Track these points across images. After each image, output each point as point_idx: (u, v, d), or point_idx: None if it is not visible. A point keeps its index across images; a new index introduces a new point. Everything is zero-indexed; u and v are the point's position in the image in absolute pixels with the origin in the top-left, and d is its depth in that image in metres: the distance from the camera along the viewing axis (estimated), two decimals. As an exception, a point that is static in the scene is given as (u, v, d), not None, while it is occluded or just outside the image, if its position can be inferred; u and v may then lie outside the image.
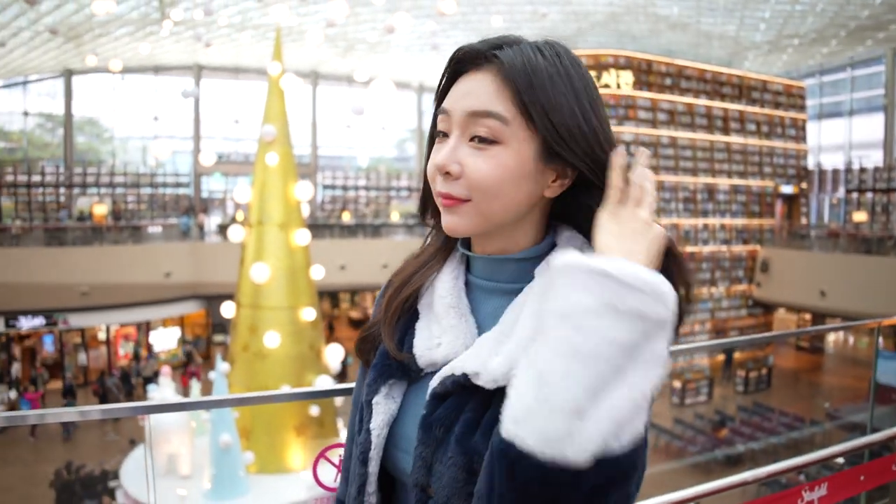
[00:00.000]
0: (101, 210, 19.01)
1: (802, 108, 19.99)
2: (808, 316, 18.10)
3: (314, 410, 10.13)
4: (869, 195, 18.79)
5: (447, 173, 0.76)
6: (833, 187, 20.98)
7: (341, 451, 1.07)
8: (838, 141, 21.61)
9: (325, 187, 24.26)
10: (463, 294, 0.84)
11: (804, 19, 16.92)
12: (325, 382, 10.31)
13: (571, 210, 0.82)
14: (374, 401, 0.83)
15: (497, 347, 0.74)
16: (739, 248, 18.58)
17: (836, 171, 20.83)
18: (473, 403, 0.74)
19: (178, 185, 23.04)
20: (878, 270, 14.97)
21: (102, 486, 9.98)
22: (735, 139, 18.37)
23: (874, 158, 19.85)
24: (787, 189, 19.58)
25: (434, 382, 0.78)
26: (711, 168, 18.01)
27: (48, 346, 17.00)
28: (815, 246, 18.43)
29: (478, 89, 0.76)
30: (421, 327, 0.84)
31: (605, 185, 0.75)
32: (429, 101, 21.77)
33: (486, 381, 0.72)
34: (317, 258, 10.92)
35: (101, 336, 17.73)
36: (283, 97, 10.58)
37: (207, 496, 9.34)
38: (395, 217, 23.25)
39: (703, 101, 17.81)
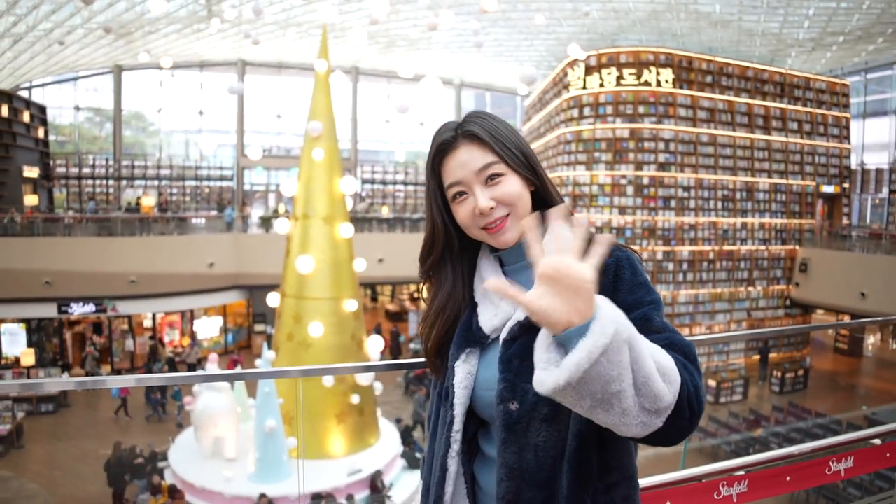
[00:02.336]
0: (148, 202, 19.60)
1: (846, 106, 19.64)
2: (846, 318, 17.83)
3: (355, 399, 10.42)
4: (914, 196, 18.44)
5: (491, 209, 1.14)
6: (876, 187, 20.61)
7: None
8: (883, 140, 21.15)
9: (364, 181, 24.62)
10: (504, 280, 1.20)
11: (850, 16, 16.64)
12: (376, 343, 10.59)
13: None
14: (455, 364, 1.20)
15: None
16: (778, 248, 18.40)
17: (879, 171, 20.46)
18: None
19: (221, 178, 23.61)
20: (921, 273, 14.74)
21: (152, 467, 10.39)
22: (776, 138, 18.17)
23: (920, 158, 19.45)
24: (829, 189, 19.28)
25: (504, 333, 1.13)
26: (751, 167, 17.86)
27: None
28: (857, 247, 18.11)
29: (469, 156, 1.15)
30: (482, 310, 1.21)
31: (537, 185, 1.19)
32: (467, 96, 21.85)
33: None
34: (356, 251, 11.18)
35: (148, 323, 18.33)
36: (330, 94, 10.87)
37: (251, 479, 9.68)
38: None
39: (744, 100, 17.66)
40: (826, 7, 16.15)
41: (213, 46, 21.11)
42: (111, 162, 22.53)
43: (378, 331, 19.88)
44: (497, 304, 1.18)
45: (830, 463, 1.95)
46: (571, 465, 1.06)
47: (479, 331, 1.19)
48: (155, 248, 17.26)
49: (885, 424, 2.29)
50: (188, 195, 23.20)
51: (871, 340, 19.82)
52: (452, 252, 1.26)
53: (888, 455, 2.11)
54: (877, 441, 2.16)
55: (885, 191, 19.94)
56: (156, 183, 22.70)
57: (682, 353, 0.99)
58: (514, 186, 1.14)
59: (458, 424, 1.17)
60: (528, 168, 1.17)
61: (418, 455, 10.80)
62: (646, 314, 1.05)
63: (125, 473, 10.13)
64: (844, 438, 2.16)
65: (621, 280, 1.08)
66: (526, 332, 1.09)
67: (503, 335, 1.13)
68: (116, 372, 16.11)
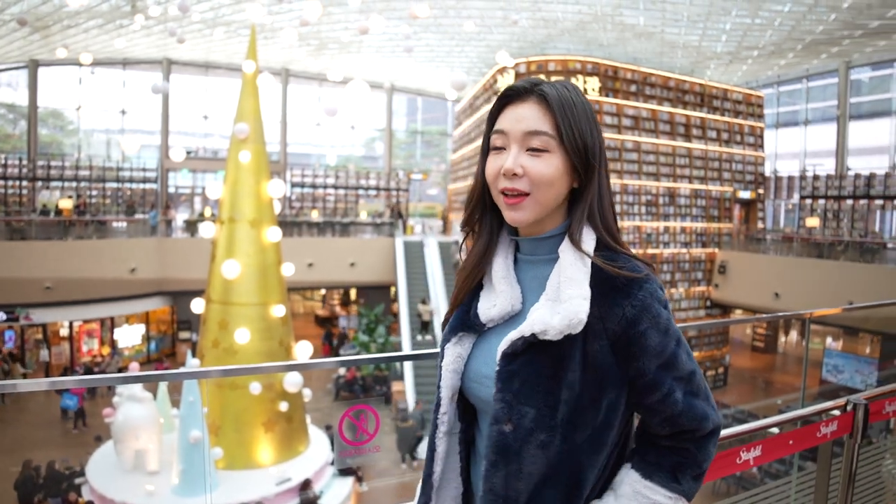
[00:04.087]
0: (67, 204, 18.73)
1: (761, 116, 20.69)
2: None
3: (283, 406, 10.23)
4: (821, 202, 19.54)
5: (514, 174, 1.05)
6: (788, 194, 21.75)
7: (363, 411, 1.33)
8: (794, 149, 22.38)
9: (294, 185, 24.24)
10: (511, 269, 1.15)
11: (763, 32, 17.52)
12: (305, 349, 10.42)
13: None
14: (445, 347, 1.16)
15: (553, 309, 1.03)
16: (699, 251, 19.17)
17: (791, 178, 21.60)
18: (544, 359, 1.03)
19: (144, 180, 22.78)
20: (828, 273, 15.64)
21: (68, 484, 9.92)
22: (696, 145, 18.95)
23: (827, 166, 20.63)
24: (745, 194, 20.25)
25: (504, 346, 1.06)
26: (673, 173, 18.55)
27: (8, 343, 16.70)
28: (771, 250, 19.09)
29: (530, 115, 1.06)
30: (483, 295, 1.15)
31: (587, 180, 1.08)
32: (399, 101, 21.81)
33: (553, 335, 1.01)
34: (285, 255, 11.00)
35: (64, 332, 17.50)
36: (258, 95, 10.66)
37: (175, 492, 9.36)
38: (363, 216, 23.35)
39: (666, 108, 18.34)
40: (741, 23, 16.95)
41: (136, 43, 20.37)
42: (25, 162, 21.40)
43: (328, 336, 19.76)
44: (497, 293, 1.13)
45: (741, 453, 2.06)
46: (561, 489, 1.04)
47: (475, 317, 1.14)
48: (72, 252, 16.48)
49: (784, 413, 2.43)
50: (109, 197, 22.27)
51: (783, 339, 20.87)
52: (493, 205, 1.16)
53: (791, 442, 2.24)
54: (775, 430, 2.29)
55: (797, 197, 21.06)
56: (74, 184, 21.70)
57: (690, 435, 1.08)
58: (550, 169, 1.05)
59: (444, 407, 1.13)
60: (582, 161, 1.06)
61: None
62: (671, 388, 1.05)
63: (37, 491, 9.63)
64: (745, 428, 2.29)
65: (639, 338, 1.02)
66: (530, 347, 1.03)
67: (502, 347, 1.06)
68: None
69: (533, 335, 1.02)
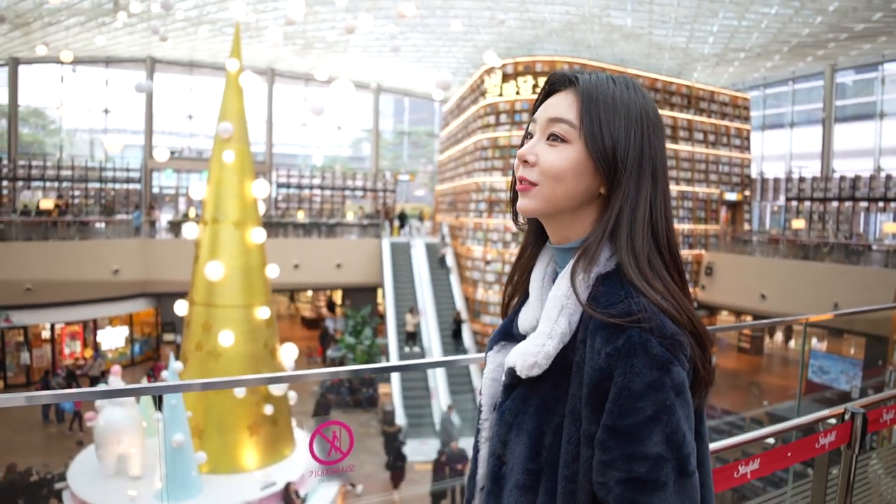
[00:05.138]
0: (49, 204, 18.48)
1: (747, 118, 20.78)
2: (749, 319, 18.80)
3: (268, 409, 10.11)
4: (807, 204, 19.65)
5: (525, 161, 0.97)
6: (774, 195, 21.88)
7: (335, 428, 1.24)
8: (780, 151, 22.52)
9: (280, 185, 24.08)
10: (547, 280, 1.06)
11: (750, 34, 17.60)
12: (290, 352, 10.31)
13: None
14: (488, 355, 1.10)
15: (528, 343, 0.96)
16: (685, 252, 19.20)
17: (777, 180, 21.73)
18: (534, 396, 0.95)
19: (128, 180, 22.54)
20: (813, 275, 15.71)
21: (48, 490, 9.74)
22: (683, 147, 18.99)
23: (812, 169, 20.75)
24: (732, 196, 20.32)
25: (503, 377, 1.01)
26: (660, 175, 18.58)
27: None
28: (757, 251, 19.17)
29: (559, 103, 0.98)
30: (527, 304, 1.07)
31: (614, 188, 0.94)
32: (385, 101, 21.78)
33: (521, 373, 0.95)
34: (270, 257, 10.89)
35: (46, 335, 17.23)
36: (242, 94, 10.52)
37: (159, 496, 9.22)
38: (349, 217, 23.22)
39: (653, 110, 18.36)
40: (728, 25, 17.02)
41: (119, 41, 20.15)
42: (6, 161, 21.10)
43: (325, 336, 19.68)
44: (530, 305, 1.06)
45: (739, 467, 2.01)
46: None
47: (516, 327, 1.07)
48: (54, 253, 16.25)
49: (780, 423, 2.39)
50: (91, 198, 21.99)
51: (767, 341, 20.95)
52: None
53: (789, 454, 2.20)
54: (770, 440, 2.24)
55: (782, 199, 21.18)
56: (56, 184, 21.42)
57: None
58: (560, 160, 0.94)
59: (485, 414, 1.08)
60: (606, 162, 0.93)
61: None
62: (611, 463, 0.85)
63: (17, 497, 9.46)
64: (742, 439, 2.24)
65: (610, 393, 0.86)
66: (522, 382, 0.96)
67: (503, 379, 1.01)
68: (10, 388, 15.03)
69: (511, 369, 0.97)
